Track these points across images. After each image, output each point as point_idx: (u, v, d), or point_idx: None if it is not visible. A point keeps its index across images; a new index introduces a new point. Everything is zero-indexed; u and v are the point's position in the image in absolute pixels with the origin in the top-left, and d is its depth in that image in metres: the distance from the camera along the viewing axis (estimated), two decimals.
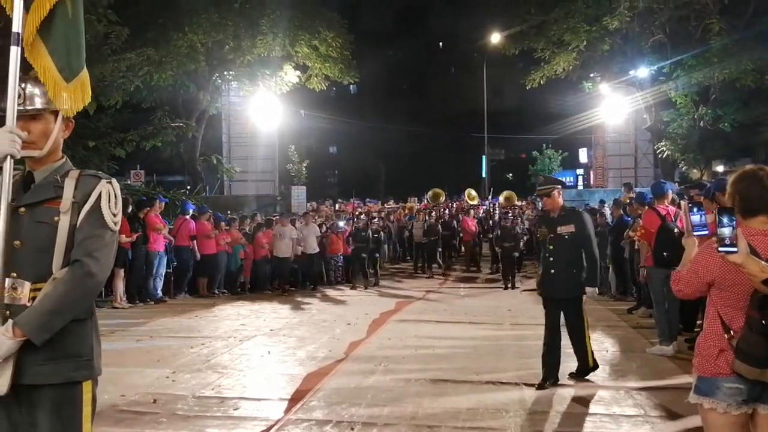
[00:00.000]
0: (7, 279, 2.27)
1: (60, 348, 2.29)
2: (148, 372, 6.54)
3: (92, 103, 13.74)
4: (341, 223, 16.50)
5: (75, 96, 2.43)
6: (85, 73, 2.48)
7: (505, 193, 23.76)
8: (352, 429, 4.78)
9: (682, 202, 3.50)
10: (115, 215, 2.39)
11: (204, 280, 13.17)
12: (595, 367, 6.23)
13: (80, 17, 2.47)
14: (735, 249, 2.46)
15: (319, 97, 23.97)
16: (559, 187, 6.42)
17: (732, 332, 2.69)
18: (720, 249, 2.50)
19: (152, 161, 20.83)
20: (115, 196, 2.41)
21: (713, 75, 18.24)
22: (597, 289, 6.36)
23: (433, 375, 6.39)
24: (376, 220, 18.69)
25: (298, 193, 23.00)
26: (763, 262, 2.40)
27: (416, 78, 49.17)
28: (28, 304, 2.26)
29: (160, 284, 12.12)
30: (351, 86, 30.35)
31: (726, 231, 2.47)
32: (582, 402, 5.52)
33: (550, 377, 5.97)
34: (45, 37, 2.40)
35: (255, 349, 7.87)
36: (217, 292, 13.07)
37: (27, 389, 2.26)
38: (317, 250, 14.81)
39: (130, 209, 11.49)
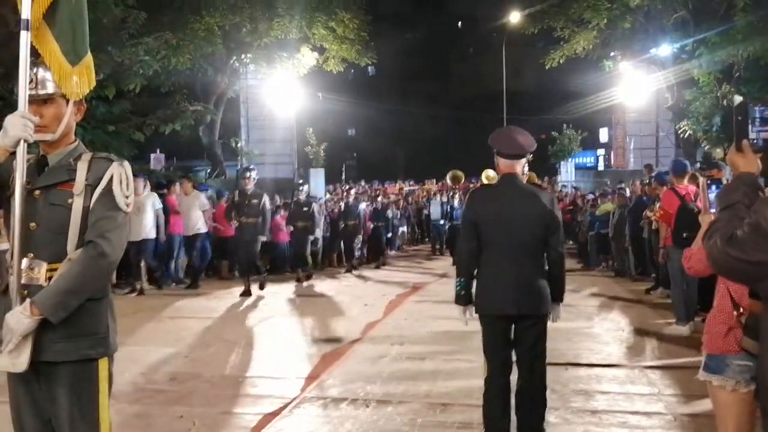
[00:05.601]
0: (24, 259, 2.34)
1: (76, 326, 2.35)
2: (167, 351, 6.68)
3: (111, 88, 13.91)
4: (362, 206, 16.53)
5: (80, 80, 2.47)
6: (89, 58, 2.52)
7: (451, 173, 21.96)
8: (368, 406, 4.85)
9: (701, 179, 3.46)
10: (127, 197, 2.45)
11: (225, 262, 13.31)
12: None
13: (84, 3, 2.52)
14: None
15: (336, 79, 23.86)
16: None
17: (741, 309, 2.68)
18: None
19: (171, 145, 20.86)
20: (127, 178, 2.46)
21: (737, 52, 17.79)
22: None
23: (448, 355, 6.43)
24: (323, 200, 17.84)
25: (316, 176, 23.04)
26: None
27: (435, 59, 48.62)
28: (45, 284, 2.33)
29: (180, 266, 12.29)
30: (369, 68, 30.09)
31: None
32: (596, 380, 5.53)
33: None
34: (50, 23, 2.45)
35: (272, 329, 7.99)
36: (237, 275, 13.18)
37: (46, 366, 2.34)
38: (203, 230, 12.02)
39: None
